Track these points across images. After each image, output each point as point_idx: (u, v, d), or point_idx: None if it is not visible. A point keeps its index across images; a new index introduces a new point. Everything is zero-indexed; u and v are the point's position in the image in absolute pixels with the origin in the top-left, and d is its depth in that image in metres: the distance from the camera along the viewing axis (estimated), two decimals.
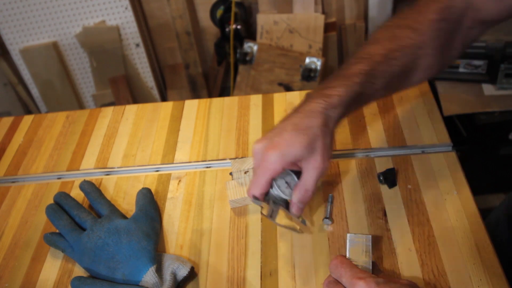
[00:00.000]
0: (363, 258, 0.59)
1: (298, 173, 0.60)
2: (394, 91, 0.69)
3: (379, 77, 0.61)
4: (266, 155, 0.57)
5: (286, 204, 0.61)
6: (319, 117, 0.57)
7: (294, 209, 0.60)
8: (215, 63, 2.21)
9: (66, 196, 0.73)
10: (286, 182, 0.61)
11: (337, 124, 0.60)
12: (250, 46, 2.02)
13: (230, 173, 0.74)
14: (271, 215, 0.60)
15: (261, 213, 0.64)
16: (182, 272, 0.61)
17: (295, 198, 0.59)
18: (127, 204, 0.75)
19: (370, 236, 0.61)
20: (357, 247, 0.60)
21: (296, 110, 0.60)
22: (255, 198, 0.60)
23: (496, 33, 1.53)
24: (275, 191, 0.60)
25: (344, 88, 0.59)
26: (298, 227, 0.65)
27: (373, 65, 0.60)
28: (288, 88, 1.96)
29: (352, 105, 0.60)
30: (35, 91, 2.09)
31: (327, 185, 0.72)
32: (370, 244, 0.60)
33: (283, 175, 0.61)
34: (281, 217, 0.67)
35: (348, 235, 0.61)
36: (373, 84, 0.60)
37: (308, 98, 0.60)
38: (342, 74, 0.61)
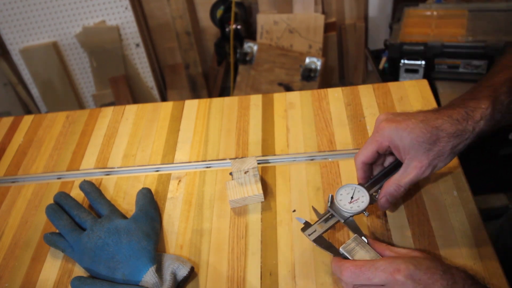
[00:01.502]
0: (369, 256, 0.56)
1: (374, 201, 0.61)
2: None
3: None
4: (382, 126, 0.57)
5: (348, 219, 0.61)
6: (453, 126, 0.55)
7: (383, 200, 0.60)
8: (215, 63, 2.21)
9: (66, 196, 0.73)
10: (351, 197, 0.61)
11: (472, 141, 0.56)
12: (250, 46, 2.02)
13: (230, 173, 0.74)
14: (310, 234, 0.60)
15: (301, 230, 0.61)
16: (182, 272, 0.61)
17: (386, 190, 0.59)
18: (127, 204, 0.75)
19: (355, 235, 0.59)
20: (355, 252, 0.57)
21: (435, 109, 0.58)
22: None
23: (496, 33, 1.53)
24: (337, 205, 0.61)
25: (488, 101, 0.55)
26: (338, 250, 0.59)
27: None
28: (288, 88, 1.96)
29: (498, 119, 0.55)
30: (35, 91, 2.09)
31: (327, 185, 0.72)
32: (366, 240, 0.58)
33: (351, 190, 0.61)
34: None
35: (340, 249, 0.58)
36: None
37: (449, 105, 0.57)
38: (486, 84, 0.58)
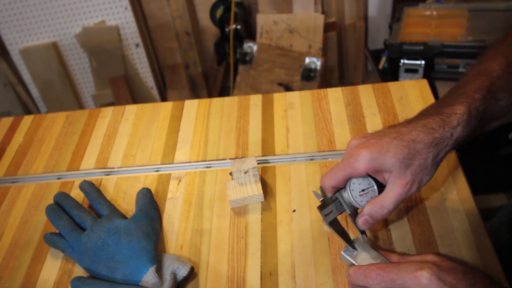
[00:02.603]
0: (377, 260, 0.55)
1: (382, 187, 0.56)
2: None
3: (502, 92, 0.55)
4: (355, 151, 0.54)
5: (354, 212, 0.58)
6: (430, 135, 0.53)
7: (361, 221, 0.56)
8: (215, 63, 2.21)
9: (66, 196, 0.73)
10: (363, 190, 0.57)
11: (452, 148, 0.54)
12: (250, 46, 2.02)
13: (230, 173, 0.74)
14: (326, 215, 0.57)
15: (317, 207, 0.59)
16: (182, 272, 0.61)
17: (367, 210, 0.55)
18: (127, 204, 0.75)
19: (356, 237, 0.58)
20: (356, 254, 0.57)
21: (407, 121, 0.56)
22: (321, 189, 0.57)
23: (495, 33, 1.53)
24: (347, 194, 0.56)
25: (464, 106, 0.53)
26: (350, 238, 0.58)
27: (492, 80, 0.55)
28: (288, 88, 1.96)
29: (474, 125, 0.54)
30: (35, 91, 2.09)
31: None
32: (366, 239, 0.58)
33: (364, 181, 0.57)
34: (334, 222, 0.60)
35: (342, 252, 0.57)
36: (497, 100, 0.55)
37: (422, 115, 0.56)
38: (459, 92, 0.56)
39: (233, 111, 0.88)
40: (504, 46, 0.61)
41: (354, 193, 0.57)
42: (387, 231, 0.64)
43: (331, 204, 0.58)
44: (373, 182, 0.57)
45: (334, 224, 0.58)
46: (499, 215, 0.92)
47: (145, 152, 0.83)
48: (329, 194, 0.59)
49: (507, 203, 0.94)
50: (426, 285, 0.47)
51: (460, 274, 0.48)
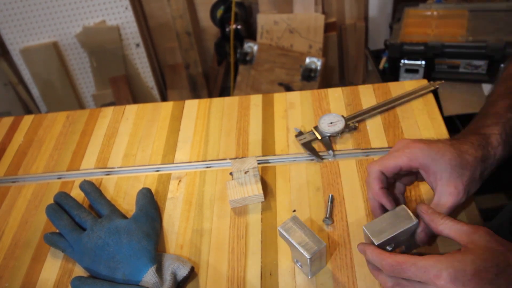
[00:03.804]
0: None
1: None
2: None
3: None
4: (413, 145, 0.54)
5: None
6: (479, 151, 0.54)
7: (422, 235, 0.55)
8: (215, 63, 2.21)
9: (66, 196, 0.73)
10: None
11: (495, 167, 0.55)
12: (250, 46, 2.02)
13: (230, 173, 0.74)
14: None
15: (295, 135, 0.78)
16: (182, 272, 0.61)
17: (423, 225, 0.54)
18: (127, 204, 0.75)
19: (294, 215, 0.60)
20: (292, 231, 0.58)
21: (453, 137, 0.56)
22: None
23: (496, 33, 1.53)
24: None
25: (499, 126, 0.55)
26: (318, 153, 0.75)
27: None
28: (288, 88, 1.96)
29: (511, 143, 0.56)
30: (35, 91, 2.09)
31: (327, 185, 0.72)
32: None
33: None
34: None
35: (279, 228, 0.59)
36: None
37: (464, 134, 0.56)
38: (491, 112, 0.57)
39: (233, 111, 0.88)
40: None
41: (323, 126, 0.79)
42: None
43: (306, 133, 0.79)
44: (342, 120, 0.79)
45: (307, 146, 0.77)
46: (499, 216, 0.92)
47: (146, 152, 0.83)
48: (373, 179, 0.57)
49: (507, 203, 0.94)
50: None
51: (487, 279, 0.44)
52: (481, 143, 0.54)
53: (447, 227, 0.50)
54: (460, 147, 0.54)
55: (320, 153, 0.77)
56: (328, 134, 0.78)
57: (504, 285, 0.44)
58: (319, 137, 0.78)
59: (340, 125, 0.78)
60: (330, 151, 0.76)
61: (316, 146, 0.78)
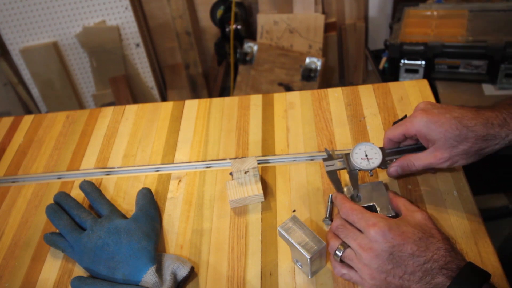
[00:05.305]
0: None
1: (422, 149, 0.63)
2: None
3: None
4: (415, 114, 0.61)
5: (353, 173, 0.66)
6: (486, 129, 0.56)
7: (392, 169, 0.66)
8: (215, 63, 2.21)
9: (66, 196, 0.73)
10: (366, 156, 0.66)
11: (502, 147, 0.57)
12: (250, 46, 2.02)
13: (230, 173, 0.74)
14: (328, 166, 0.67)
15: (323, 159, 0.69)
16: (182, 272, 0.61)
17: (399, 162, 0.65)
18: (127, 204, 0.75)
19: (293, 215, 0.62)
20: (292, 231, 0.60)
21: (475, 108, 0.59)
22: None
23: (496, 33, 1.53)
24: (351, 156, 0.66)
25: None
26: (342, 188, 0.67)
27: None
28: (288, 88, 1.96)
29: None
30: (35, 91, 2.09)
31: (327, 185, 0.72)
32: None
33: (372, 150, 0.67)
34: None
35: (279, 228, 0.60)
36: None
37: (491, 107, 0.58)
38: None
39: (233, 111, 0.88)
40: None
41: (356, 156, 0.66)
42: None
43: (336, 159, 0.68)
44: (380, 155, 0.66)
45: (332, 174, 0.66)
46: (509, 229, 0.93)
47: (145, 152, 0.83)
48: (385, 146, 0.67)
49: (508, 203, 0.94)
50: (373, 238, 0.53)
51: (411, 239, 0.52)
52: (497, 123, 0.56)
53: (402, 200, 0.61)
54: (466, 121, 0.57)
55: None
56: (359, 169, 0.66)
57: (424, 247, 0.52)
58: (348, 169, 0.67)
59: (376, 162, 0.66)
60: (355, 190, 0.66)
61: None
